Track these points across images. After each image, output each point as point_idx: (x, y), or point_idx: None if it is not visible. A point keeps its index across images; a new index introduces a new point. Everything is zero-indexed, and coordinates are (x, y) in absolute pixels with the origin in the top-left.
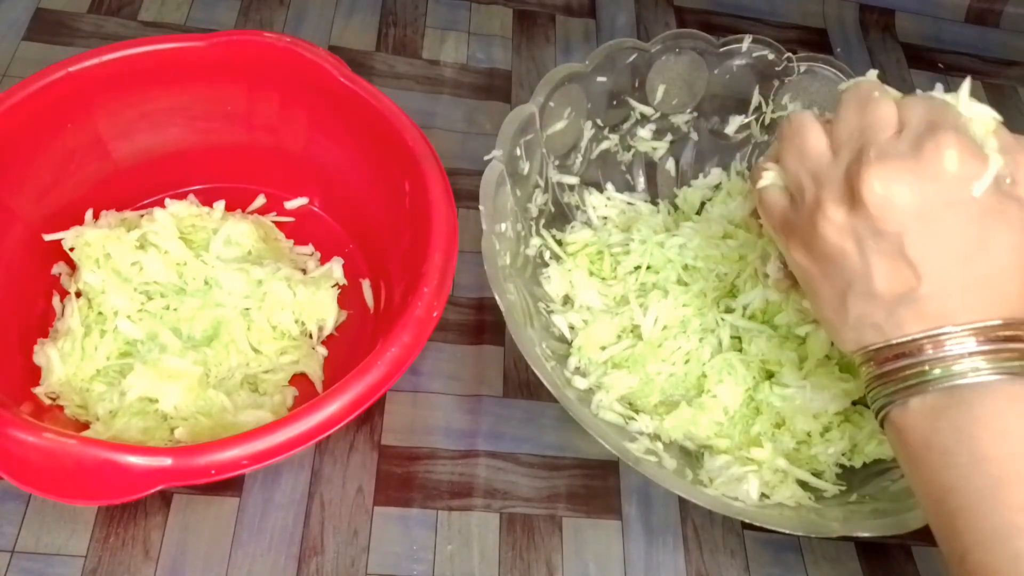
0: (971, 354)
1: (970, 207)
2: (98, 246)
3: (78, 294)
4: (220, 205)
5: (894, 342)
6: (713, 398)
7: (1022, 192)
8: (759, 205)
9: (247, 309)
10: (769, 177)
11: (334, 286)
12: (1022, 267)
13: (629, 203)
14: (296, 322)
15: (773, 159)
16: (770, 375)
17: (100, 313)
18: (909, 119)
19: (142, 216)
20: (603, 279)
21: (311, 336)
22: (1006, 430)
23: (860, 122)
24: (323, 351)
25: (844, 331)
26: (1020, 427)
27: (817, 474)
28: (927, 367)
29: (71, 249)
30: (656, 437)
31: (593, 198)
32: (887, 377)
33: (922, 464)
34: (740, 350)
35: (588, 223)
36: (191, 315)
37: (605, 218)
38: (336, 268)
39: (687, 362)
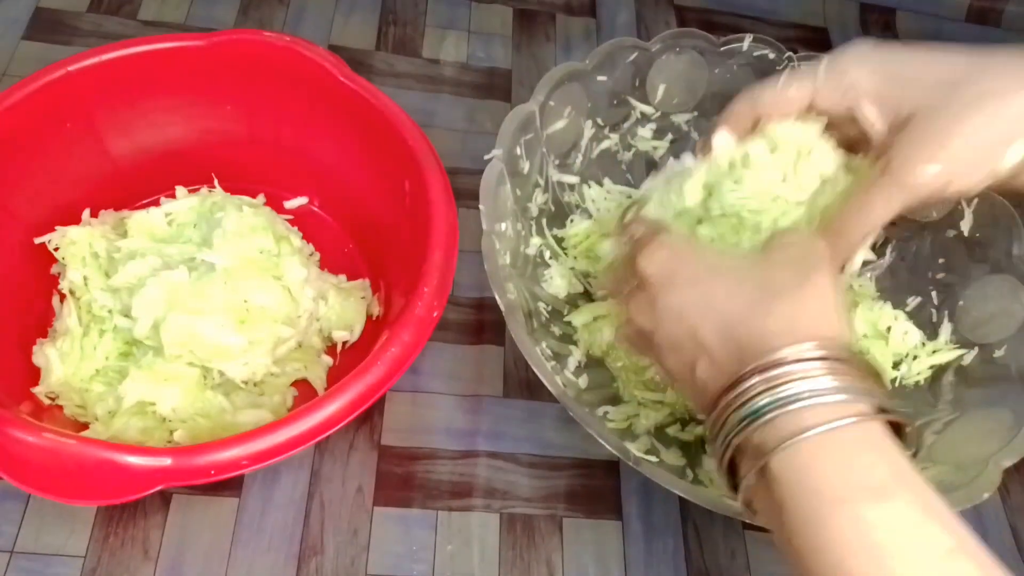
0: (798, 377)
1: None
2: (83, 245)
3: (71, 293)
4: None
5: (723, 383)
6: None
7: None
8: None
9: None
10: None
11: (363, 298)
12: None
13: (628, 196)
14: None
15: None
16: None
17: (95, 314)
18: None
19: (147, 212)
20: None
21: (334, 344)
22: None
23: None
24: (328, 360)
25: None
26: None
27: None
28: (757, 396)
29: (55, 249)
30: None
31: (592, 191)
32: (721, 417)
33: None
34: None
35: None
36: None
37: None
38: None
39: None
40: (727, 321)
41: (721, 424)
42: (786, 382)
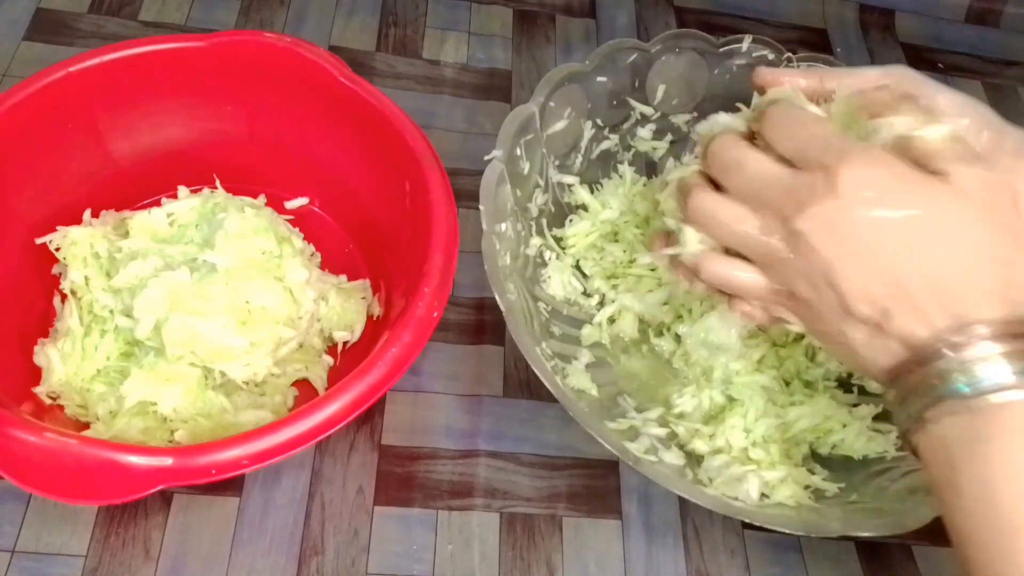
0: (991, 357)
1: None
2: (84, 245)
3: (72, 293)
4: (234, 198)
5: (911, 353)
6: (731, 428)
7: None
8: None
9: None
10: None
11: (363, 298)
12: (989, 262)
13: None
14: (320, 332)
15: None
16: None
17: (96, 314)
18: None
19: (148, 212)
20: (602, 270)
21: (335, 344)
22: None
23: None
24: (329, 360)
25: (858, 359)
26: None
27: (813, 470)
28: (950, 375)
29: (56, 249)
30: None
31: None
32: (910, 391)
33: (942, 503)
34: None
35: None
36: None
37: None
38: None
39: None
40: (948, 269)
41: (921, 389)
42: (979, 361)
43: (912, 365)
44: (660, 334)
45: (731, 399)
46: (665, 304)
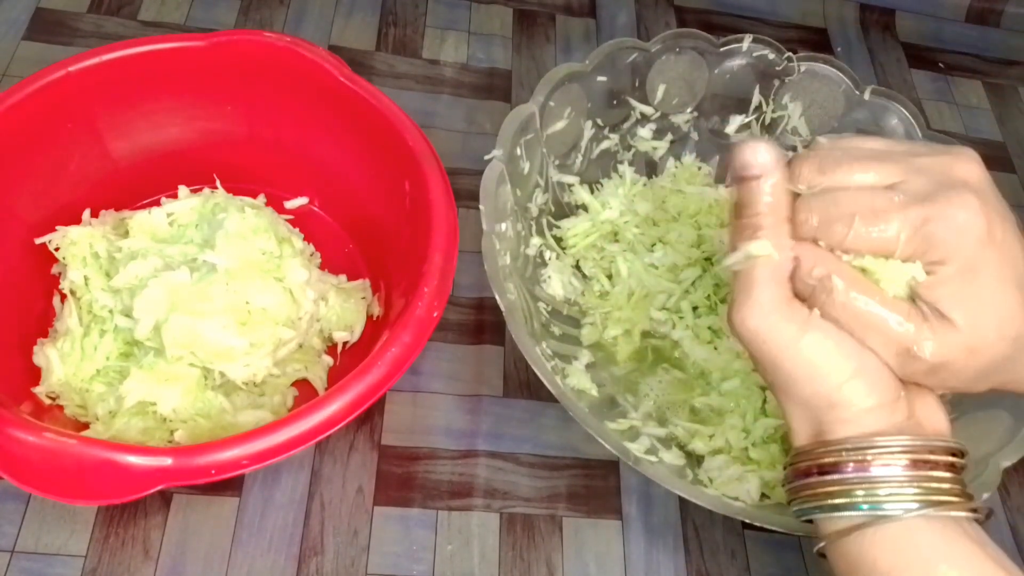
0: (898, 482)
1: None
2: (84, 245)
3: (71, 293)
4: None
5: (819, 451)
6: (732, 428)
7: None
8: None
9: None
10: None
11: (363, 298)
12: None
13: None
14: (320, 333)
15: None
16: None
17: (96, 314)
18: None
19: (148, 212)
20: (602, 270)
21: (335, 344)
22: None
23: None
24: (328, 360)
25: (790, 423)
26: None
27: None
28: (853, 490)
29: (56, 249)
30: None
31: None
32: (810, 489)
33: None
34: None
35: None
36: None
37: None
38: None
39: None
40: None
41: (813, 495)
42: (883, 483)
43: (815, 466)
44: (659, 335)
45: (730, 399)
46: (664, 306)
